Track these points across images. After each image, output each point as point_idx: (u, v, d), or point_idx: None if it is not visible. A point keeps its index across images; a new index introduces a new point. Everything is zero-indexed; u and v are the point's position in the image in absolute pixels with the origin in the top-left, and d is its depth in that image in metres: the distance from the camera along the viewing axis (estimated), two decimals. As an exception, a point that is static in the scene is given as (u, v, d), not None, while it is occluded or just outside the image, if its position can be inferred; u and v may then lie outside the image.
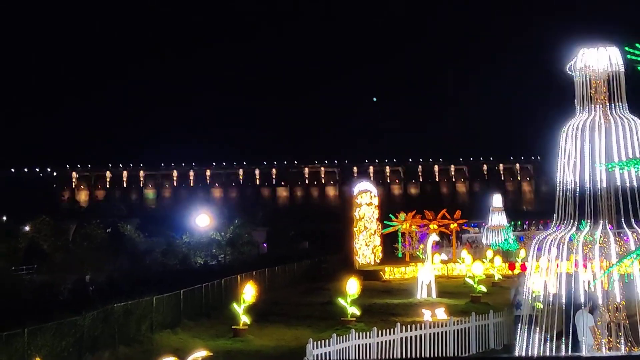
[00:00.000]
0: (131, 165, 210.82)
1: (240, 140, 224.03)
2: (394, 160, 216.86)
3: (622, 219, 19.23)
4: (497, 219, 77.96)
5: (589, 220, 19.48)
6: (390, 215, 77.16)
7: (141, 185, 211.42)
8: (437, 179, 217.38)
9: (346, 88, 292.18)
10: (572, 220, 19.87)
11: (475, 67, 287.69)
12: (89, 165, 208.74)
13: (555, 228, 20.35)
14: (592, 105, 19.78)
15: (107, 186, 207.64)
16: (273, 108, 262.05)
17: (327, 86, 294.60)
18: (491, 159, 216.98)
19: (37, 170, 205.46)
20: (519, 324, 26.18)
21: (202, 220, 71.15)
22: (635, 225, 18.98)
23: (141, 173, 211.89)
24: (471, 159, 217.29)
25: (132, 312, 31.49)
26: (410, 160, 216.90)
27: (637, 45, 12.77)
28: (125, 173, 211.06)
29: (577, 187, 19.65)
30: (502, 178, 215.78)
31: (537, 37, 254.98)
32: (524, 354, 20.06)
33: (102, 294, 36.38)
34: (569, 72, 20.28)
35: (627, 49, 13.20)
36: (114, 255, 58.11)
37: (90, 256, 53.03)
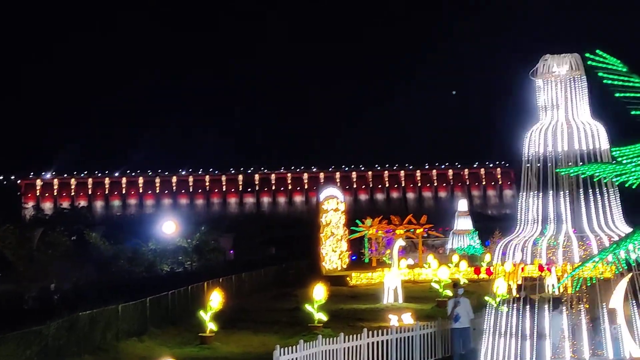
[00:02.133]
0: (96, 172, 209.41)
1: (206, 147, 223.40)
2: (361, 167, 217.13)
3: (585, 223, 19.45)
4: (463, 223, 78.50)
5: (552, 225, 19.67)
6: (357, 220, 77.35)
7: (106, 192, 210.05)
8: (403, 185, 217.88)
9: (313, 93, 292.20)
10: (536, 225, 20.07)
11: (438, 73, 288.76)
12: (54, 173, 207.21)
13: (519, 232, 20.53)
14: (555, 110, 20.00)
15: (72, 193, 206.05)
16: (238, 115, 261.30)
17: (293, 92, 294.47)
18: (457, 164, 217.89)
19: (1, 178, 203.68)
20: (456, 337, 26.54)
21: (168, 227, 70.84)
22: (597, 230, 19.20)
23: (106, 180, 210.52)
24: (437, 164, 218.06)
25: (98, 320, 31.29)
26: (377, 166, 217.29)
27: (597, 51, 12.91)
28: (90, 180, 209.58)
29: (541, 192, 19.86)
30: (468, 183, 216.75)
31: (503, 43, 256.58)
32: (489, 357, 20.19)
33: (67, 303, 36.10)
34: (531, 77, 20.50)
35: (587, 55, 13.34)
36: (79, 263, 57.64)
37: (55, 264, 52.57)
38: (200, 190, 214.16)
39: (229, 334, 34.99)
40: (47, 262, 51.47)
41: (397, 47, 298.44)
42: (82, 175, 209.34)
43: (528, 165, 20.27)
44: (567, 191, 19.47)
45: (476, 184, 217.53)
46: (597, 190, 19.32)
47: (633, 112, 12.45)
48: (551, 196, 19.66)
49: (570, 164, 19.16)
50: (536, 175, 19.96)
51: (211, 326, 33.29)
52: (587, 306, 19.18)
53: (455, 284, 31.87)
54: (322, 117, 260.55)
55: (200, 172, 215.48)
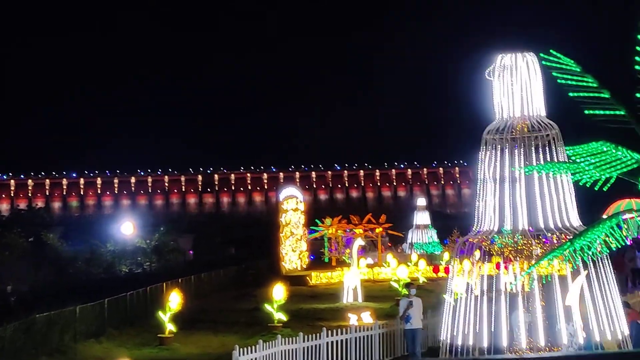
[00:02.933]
0: (54, 173, 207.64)
1: (165, 147, 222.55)
2: (320, 167, 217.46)
3: (541, 221, 19.64)
4: (422, 218, 79.08)
5: (509, 223, 19.85)
6: (317, 220, 77.44)
7: (64, 193, 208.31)
8: (362, 184, 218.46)
9: (273, 94, 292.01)
10: (493, 223, 20.24)
11: (398, 74, 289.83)
12: (10, 174, 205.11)
13: (477, 231, 20.69)
14: (511, 109, 20.18)
15: (29, 194, 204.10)
16: (197, 115, 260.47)
17: (253, 92, 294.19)
18: (416, 164, 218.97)
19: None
20: (409, 338, 26.68)
21: (127, 228, 70.50)
22: (553, 228, 19.40)
23: (64, 181, 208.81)
24: (396, 164, 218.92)
25: (55, 322, 31.00)
26: (336, 165, 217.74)
27: (552, 51, 13.06)
28: (47, 181, 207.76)
29: (498, 190, 20.03)
30: (427, 182, 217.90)
31: (461, 44, 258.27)
32: (447, 355, 20.32)
33: (24, 305, 35.76)
34: (487, 77, 20.66)
35: (542, 55, 13.50)
36: (36, 264, 57.13)
37: (12, 266, 52.07)
38: (159, 191, 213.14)
39: (188, 335, 34.84)
40: (4, 264, 50.91)
41: (356, 49, 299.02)
42: (40, 176, 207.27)
43: (485, 164, 20.42)
44: (524, 189, 19.65)
45: (435, 183, 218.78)
46: (553, 188, 19.51)
47: (587, 112, 12.62)
48: (508, 195, 19.83)
49: (526, 162, 19.34)
50: (493, 174, 20.11)
51: (170, 327, 33.14)
52: (543, 303, 19.38)
53: (408, 284, 31.46)
54: (281, 117, 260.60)
55: (159, 173, 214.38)
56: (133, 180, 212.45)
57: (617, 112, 12.51)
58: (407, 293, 28.61)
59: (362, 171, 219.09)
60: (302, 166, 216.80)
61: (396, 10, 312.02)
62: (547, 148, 19.72)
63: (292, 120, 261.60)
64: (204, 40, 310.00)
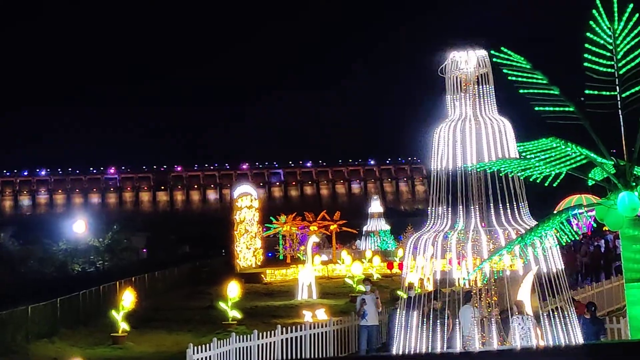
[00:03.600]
0: (5, 171, 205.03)
1: (118, 144, 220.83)
2: (274, 164, 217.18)
3: (493, 217, 19.82)
4: (376, 224, 79.58)
5: (462, 219, 20.00)
6: (271, 217, 77.37)
7: (16, 191, 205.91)
8: (316, 181, 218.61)
9: (224, 89, 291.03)
10: (446, 219, 20.38)
11: (351, 69, 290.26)
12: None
13: (430, 227, 20.81)
14: (463, 106, 20.32)
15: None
16: (150, 112, 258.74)
17: (204, 89, 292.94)
18: (369, 161, 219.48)
19: None
20: (363, 335, 26.80)
21: (79, 226, 69.94)
22: (505, 223, 19.58)
23: (16, 180, 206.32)
24: (350, 160, 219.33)
25: (7, 322, 30.72)
26: (290, 163, 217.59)
27: (502, 48, 13.19)
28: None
29: (450, 187, 20.17)
30: (381, 179, 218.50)
31: (414, 39, 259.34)
32: (401, 352, 20.42)
33: (-26, 305, 35.36)
34: (440, 74, 20.80)
35: (492, 52, 13.63)
36: (-14, 264, 56.56)
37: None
38: (112, 189, 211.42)
39: (142, 334, 34.69)
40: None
41: (309, 42, 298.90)
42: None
43: (437, 160, 20.55)
44: (476, 186, 19.81)
45: (389, 180, 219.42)
46: (505, 184, 19.69)
47: (537, 108, 12.77)
48: (460, 191, 19.97)
49: (478, 159, 19.50)
50: (445, 171, 20.25)
51: (123, 326, 32.98)
52: (496, 299, 19.56)
53: (364, 280, 31.62)
54: (234, 115, 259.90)
55: (112, 170, 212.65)
56: (85, 178, 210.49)
57: (567, 109, 12.67)
58: (363, 290, 28.75)
59: (316, 168, 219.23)
60: (257, 163, 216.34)
61: (349, 7, 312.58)
62: (498, 145, 19.88)
63: (246, 118, 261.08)
64: (164, 34, 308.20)
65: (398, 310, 21.44)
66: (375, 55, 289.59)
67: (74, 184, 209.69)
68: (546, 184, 13.19)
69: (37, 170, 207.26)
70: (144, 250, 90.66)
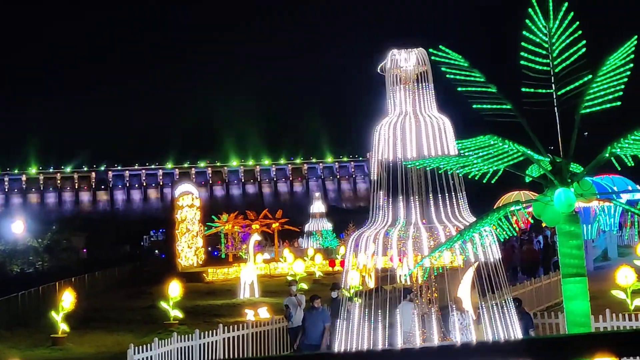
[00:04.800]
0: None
1: (57, 143, 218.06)
2: (216, 162, 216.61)
3: (433, 214, 19.98)
4: (318, 223, 79.88)
5: (402, 216, 20.13)
6: (213, 216, 77.21)
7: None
8: (259, 179, 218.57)
9: (162, 88, 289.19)
10: (387, 217, 20.48)
11: (295, 67, 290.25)
12: None
13: (371, 224, 20.91)
14: (403, 104, 20.46)
15: None
16: (90, 109, 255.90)
17: (146, 85, 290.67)
18: (311, 158, 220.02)
19: None
20: (292, 337, 26.72)
21: (17, 226, 69.05)
22: (445, 220, 19.76)
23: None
24: (291, 158, 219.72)
25: (-57, 324, 30.30)
26: (232, 162, 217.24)
27: (441, 47, 13.31)
28: None
29: (391, 184, 20.28)
30: (322, 177, 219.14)
31: (354, 38, 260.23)
32: (342, 349, 20.49)
33: None
34: (380, 72, 20.91)
35: (431, 50, 13.75)
36: None
37: None
38: (51, 189, 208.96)
39: (82, 334, 34.39)
40: None
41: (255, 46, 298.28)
42: None
43: (378, 159, 20.65)
44: (416, 184, 19.95)
45: (331, 178, 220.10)
46: (444, 182, 19.86)
47: (475, 106, 12.91)
48: (401, 188, 20.09)
49: (418, 156, 19.64)
50: (386, 168, 20.36)
51: (63, 327, 32.66)
52: (436, 295, 19.72)
53: (290, 283, 31.07)
54: (175, 113, 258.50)
55: (51, 170, 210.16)
56: (24, 178, 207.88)
57: (504, 107, 12.83)
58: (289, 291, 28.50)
59: (258, 167, 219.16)
60: (198, 162, 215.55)
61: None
62: (438, 142, 20.05)
63: (186, 116, 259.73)
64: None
65: (341, 307, 21.50)
66: (320, 50, 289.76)
67: (12, 183, 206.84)
68: (484, 181, 13.34)
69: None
70: (84, 250, 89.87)
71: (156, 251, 79.11)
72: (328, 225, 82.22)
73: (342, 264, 50.22)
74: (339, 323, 23.19)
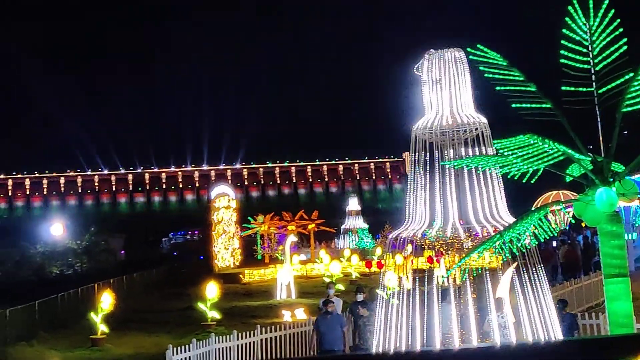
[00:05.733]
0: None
1: (92, 145, 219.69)
2: (251, 163, 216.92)
3: (471, 215, 19.86)
4: (354, 222, 79.71)
5: (440, 217, 20.03)
6: (249, 217, 77.33)
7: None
8: (294, 180, 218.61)
9: (203, 90, 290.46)
10: (424, 218, 20.39)
11: (328, 65, 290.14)
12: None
13: (408, 225, 20.82)
14: (440, 104, 20.35)
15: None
16: (123, 113, 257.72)
17: (175, 87, 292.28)
18: (346, 159, 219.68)
19: None
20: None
21: (57, 229, 69.72)
22: (483, 221, 19.62)
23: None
24: (327, 159, 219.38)
25: (-16, 325, 30.60)
26: (268, 162, 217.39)
27: (479, 46, 13.21)
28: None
29: (428, 184, 20.19)
30: (358, 177, 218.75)
31: (394, 36, 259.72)
32: (381, 350, 20.43)
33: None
34: (416, 72, 20.82)
35: (469, 50, 13.65)
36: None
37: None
38: (89, 191, 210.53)
39: (121, 336, 34.57)
40: None
41: (285, 35, 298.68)
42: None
43: (415, 158, 20.56)
44: (453, 184, 19.84)
45: (366, 178, 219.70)
46: (483, 182, 19.73)
47: (514, 105, 12.80)
48: (438, 189, 19.99)
49: (455, 156, 19.52)
50: (423, 169, 20.26)
51: (102, 328, 32.87)
52: (475, 296, 19.59)
53: (328, 285, 29.48)
54: (212, 113, 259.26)
55: (89, 172, 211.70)
56: (62, 180, 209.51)
57: (544, 106, 12.71)
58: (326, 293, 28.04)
59: (293, 167, 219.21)
60: (233, 163, 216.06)
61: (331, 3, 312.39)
62: (476, 142, 19.92)
63: (222, 117, 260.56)
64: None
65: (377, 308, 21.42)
66: (355, 50, 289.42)
67: (50, 186, 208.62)
68: (524, 181, 13.23)
69: (14, 173, 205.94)
70: (122, 252, 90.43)
71: (174, 253, 79.41)
72: (364, 226, 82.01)
73: (378, 264, 50.11)
74: (362, 324, 23.18)
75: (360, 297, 25.57)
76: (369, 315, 23.31)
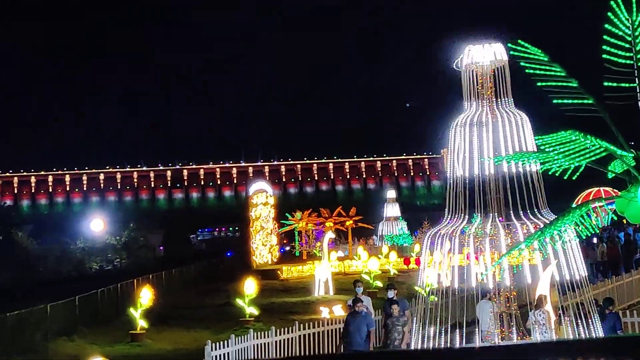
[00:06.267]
0: (22, 170, 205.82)
1: (133, 142, 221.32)
2: (289, 160, 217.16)
3: (511, 212, 19.72)
4: (392, 210, 79.42)
5: (479, 214, 19.91)
6: (287, 214, 77.38)
7: (33, 190, 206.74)
8: (332, 177, 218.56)
9: (237, 86, 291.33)
10: (463, 214, 20.28)
11: (365, 63, 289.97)
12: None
13: (447, 222, 20.72)
14: (479, 100, 20.22)
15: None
16: (164, 109, 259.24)
17: (217, 84, 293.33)
18: (384, 155, 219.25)
19: None
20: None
21: (97, 225, 70.27)
22: (523, 218, 19.48)
23: (32, 179, 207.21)
24: (365, 156, 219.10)
25: (26, 320, 30.84)
26: (305, 158, 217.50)
27: (519, 41, 13.09)
28: (15, 179, 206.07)
29: (467, 181, 20.07)
30: (396, 174, 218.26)
31: (426, 34, 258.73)
32: (419, 347, 20.35)
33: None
34: (456, 68, 20.69)
35: (510, 45, 13.53)
36: (5, 263, 56.82)
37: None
38: (128, 187, 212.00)
39: (160, 331, 34.74)
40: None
41: (322, 36, 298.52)
42: (8, 173, 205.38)
43: (454, 155, 20.45)
44: (493, 180, 19.71)
45: (404, 175, 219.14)
46: (522, 178, 19.57)
47: (555, 101, 12.67)
48: (477, 185, 19.87)
49: (495, 153, 19.38)
50: (462, 165, 20.15)
51: (142, 323, 33.02)
52: (515, 293, 19.47)
53: (355, 282, 28.50)
54: (248, 110, 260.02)
55: (127, 168, 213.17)
56: (102, 176, 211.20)
57: (585, 101, 12.57)
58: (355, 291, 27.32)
59: (331, 164, 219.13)
60: (271, 160, 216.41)
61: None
62: (516, 138, 19.77)
63: (260, 114, 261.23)
64: (167, 28, 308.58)
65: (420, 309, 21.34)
66: (391, 45, 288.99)
67: (90, 182, 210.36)
68: (565, 177, 13.10)
69: (55, 169, 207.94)
70: (161, 247, 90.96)
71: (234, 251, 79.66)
72: (402, 223, 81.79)
73: (417, 261, 49.99)
74: (391, 324, 22.96)
75: (391, 294, 24.83)
76: (399, 314, 22.90)
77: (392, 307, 23.26)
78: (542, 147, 13.06)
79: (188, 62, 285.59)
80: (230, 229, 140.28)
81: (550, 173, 13.32)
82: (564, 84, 12.61)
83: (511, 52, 13.54)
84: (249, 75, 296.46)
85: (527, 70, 13.05)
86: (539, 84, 12.85)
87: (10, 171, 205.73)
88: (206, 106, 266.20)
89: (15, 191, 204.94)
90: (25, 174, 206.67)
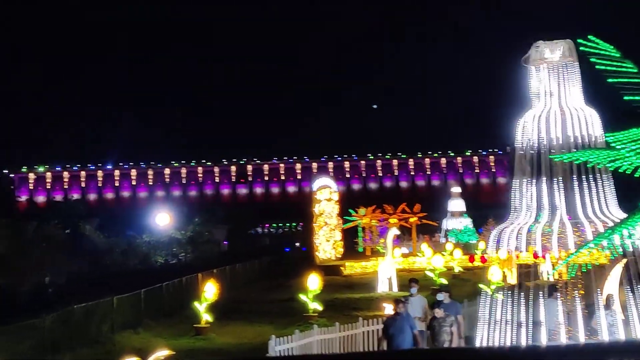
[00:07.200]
0: (89, 165, 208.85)
1: (198, 137, 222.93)
2: (353, 156, 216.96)
3: (580, 209, 19.44)
4: (456, 205, 79.03)
5: (546, 212, 19.66)
6: (350, 210, 77.38)
7: (99, 184, 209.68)
8: (396, 173, 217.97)
9: (301, 81, 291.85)
10: (529, 212, 20.05)
11: (430, 60, 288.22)
12: (47, 166, 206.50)
13: (513, 220, 20.51)
14: (548, 97, 19.96)
15: (65, 186, 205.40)
16: (229, 106, 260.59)
17: (283, 81, 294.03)
18: (450, 152, 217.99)
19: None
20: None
21: (162, 219, 71.04)
22: (592, 216, 19.19)
23: (99, 173, 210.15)
24: (430, 152, 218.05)
25: (93, 313, 31.28)
26: (369, 155, 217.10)
27: (589, 37, 12.88)
28: (83, 173, 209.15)
29: (535, 179, 19.84)
30: (461, 171, 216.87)
31: (494, 29, 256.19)
32: (485, 344, 20.17)
33: (61, 296, 36.06)
34: (524, 64, 20.46)
35: (580, 41, 13.31)
36: (73, 255, 57.65)
37: (49, 257, 52.48)
38: (193, 182, 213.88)
39: (224, 325, 34.97)
40: (41, 256, 51.35)
41: (382, 32, 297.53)
42: (75, 168, 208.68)
43: (522, 152, 20.23)
44: (561, 178, 19.44)
45: (469, 172, 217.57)
46: (591, 176, 19.29)
47: (626, 98, 12.44)
48: (545, 183, 19.63)
49: (563, 150, 19.13)
50: (530, 162, 19.92)
51: (206, 317, 33.27)
52: (582, 292, 19.19)
53: (410, 280, 26.64)
54: (315, 106, 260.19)
55: (193, 164, 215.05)
56: (167, 171, 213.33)
57: (659, 98, 12.33)
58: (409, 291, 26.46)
59: (395, 160, 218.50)
60: (336, 156, 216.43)
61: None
62: (585, 135, 19.48)
63: (327, 109, 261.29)
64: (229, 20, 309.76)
65: (482, 304, 21.14)
66: (456, 42, 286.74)
67: (156, 177, 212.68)
68: (636, 175, 12.85)
69: (120, 163, 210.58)
70: (225, 242, 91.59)
71: (296, 244, 79.93)
72: (467, 220, 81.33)
73: (482, 259, 49.57)
74: (437, 325, 22.50)
75: (440, 297, 23.81)
76: (445, 314, 22.00)
77: (435, 310, 22.24)
78: (613, 144, 12.83)
79: (255, 59, 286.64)
80: (294, 224, 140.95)
81: (620, 171, 13.09)
82: (636, 80, 12.36)
83: (582, 49, 13.31)
84: (306, 71, 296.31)
85: (597, 67, 12.83)
86: (609, 80, 12.63)
87: (78, 166, 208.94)
88: (268, 104, 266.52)
89: (83, 185, 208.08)
90: (92, 168, 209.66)
